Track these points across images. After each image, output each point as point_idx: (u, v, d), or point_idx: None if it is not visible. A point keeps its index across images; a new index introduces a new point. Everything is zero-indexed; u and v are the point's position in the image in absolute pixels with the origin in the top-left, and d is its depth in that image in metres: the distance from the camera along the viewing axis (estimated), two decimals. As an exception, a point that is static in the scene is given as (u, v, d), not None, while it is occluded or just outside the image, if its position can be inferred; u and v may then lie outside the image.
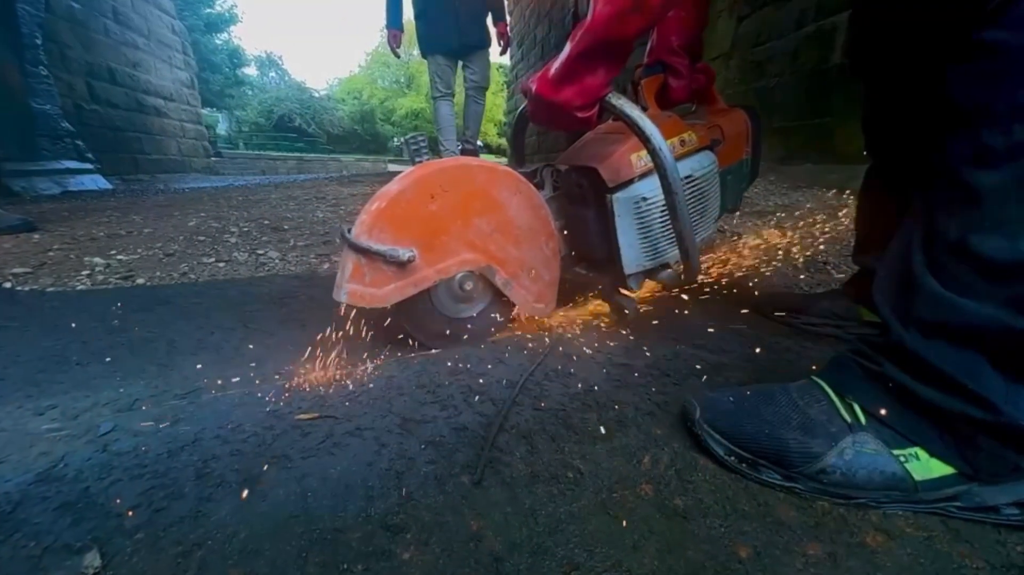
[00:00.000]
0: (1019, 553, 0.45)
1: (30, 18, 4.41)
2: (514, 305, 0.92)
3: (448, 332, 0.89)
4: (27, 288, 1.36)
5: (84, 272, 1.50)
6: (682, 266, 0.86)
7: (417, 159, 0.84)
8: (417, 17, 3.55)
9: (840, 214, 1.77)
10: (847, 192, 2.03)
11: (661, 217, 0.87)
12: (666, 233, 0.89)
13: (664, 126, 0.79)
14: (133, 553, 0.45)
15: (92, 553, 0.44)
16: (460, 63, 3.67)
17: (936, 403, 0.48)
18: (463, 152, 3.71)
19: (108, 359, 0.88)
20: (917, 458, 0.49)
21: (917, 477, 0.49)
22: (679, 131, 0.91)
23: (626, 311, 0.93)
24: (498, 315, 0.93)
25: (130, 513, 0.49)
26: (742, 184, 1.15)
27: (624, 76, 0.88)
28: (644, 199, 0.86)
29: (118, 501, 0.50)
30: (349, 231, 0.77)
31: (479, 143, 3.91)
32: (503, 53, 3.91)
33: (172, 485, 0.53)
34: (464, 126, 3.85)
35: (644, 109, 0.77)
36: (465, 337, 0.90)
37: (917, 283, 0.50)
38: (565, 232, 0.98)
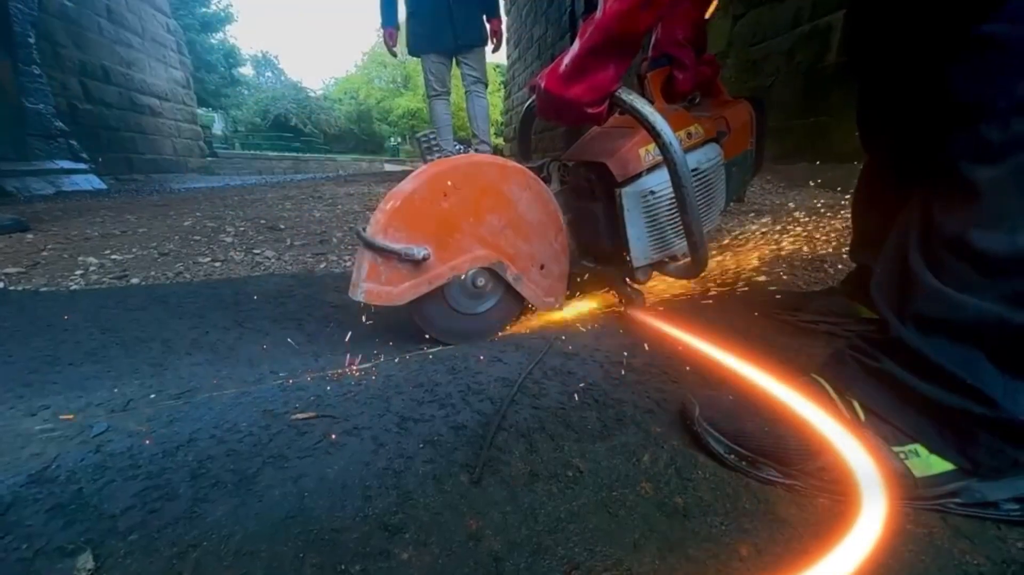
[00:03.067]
0: (1019, 549, 0.45)
1: (23, 16, 4.38)
2: (524, 300, 0.92)
3: (461, 327, 0.89)
4: (20, 288, 1.35)
5: (78, 272, 1.48)
6: (690, 258, 0.87)
7: (428, 157, 0.84)
8: (410, 16, 3.52)
9: (836, 212, 1.78)
10: (843, 190, 2.04)
11: (669, 210, 0.88)
12: (674, 225, 0.90)
13: (671, 119, 0.79)
14: (127, 555, 0.44)
15: (85, 555, 0.43)
16: (454, 60, 3.65)
17: (935, 399, 0.48)
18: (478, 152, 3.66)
19: (102, 359, 0.87)
20: (917, 454, 0.49)
21: (917, 473, 0.49)
22: (686, 124, 0.92)
23: (635, 304, 0.93)
24: (509, 310, 0.94)
25: (124, 514, 0.48)
26: (747, 175, 1.16)
27: (629, 70, 0.88)
28: (652, 192, 0.87)
29: (111, 502, 0.50)
30: (364, 230, 0.77)
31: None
32: (496, 50, 3.88)
33: (166, 486, 0.52)
34: (472, 125, 3.80)
35: (650, 103, 0.77)
36: (477, 332, 0.90)
37: (915, 279, 0.50)
38: (573, 226, 0.98)
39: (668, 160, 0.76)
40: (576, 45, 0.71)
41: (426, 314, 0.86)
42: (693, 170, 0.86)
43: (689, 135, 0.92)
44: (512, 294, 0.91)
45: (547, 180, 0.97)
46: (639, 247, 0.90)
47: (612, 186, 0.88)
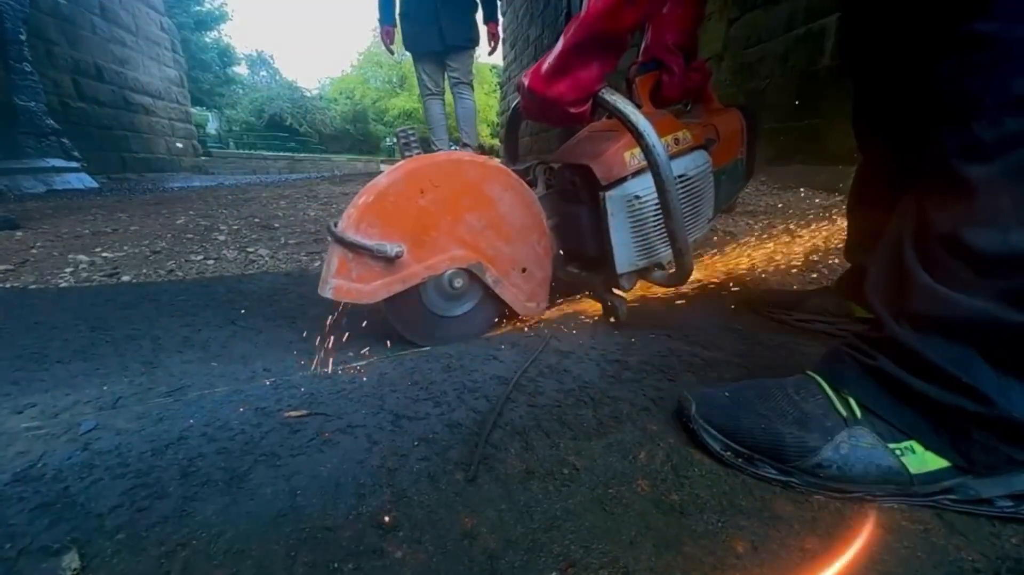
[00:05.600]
0: (1013, 545, 0.45)
1: (14, 13, 4.33)
2: (505, 303, 0.90)
3: (437, 330, 0.87)
4: (8, 285, 1.32)
5: (68, 269, 1.46)
6: (674, 266, 0.85)
7: (407, 153, 0.82)
8: (401, 16, 3.52)
9: (830, 213, 1.79)
10: (837, 191, 2.06)
11: (654, 216, 0.86)
12: (659, 232, 0.88)
13: (658, 124, 0.78)
14: (114, 554, 0.43)
15: (71, 554, 0.43)
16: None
17: (930, 397, 0.48)
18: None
19: (91, 357, 0.86)
20: (912, 451, 0.49)
21: (912, 470, 0.49)
22: (673, 129, 0.90)
23: (618, 312, 0.92)
24: (488, 314, 0.92)
25: (111, 513, 0.47)
26: (737, 184, 1.14)
27: (618, 74, 0.87)
28: (637, 197, 0.85)
29: (99, 501, 0.49)
30: (336, 225, 0.75)
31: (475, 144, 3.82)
32: (491, 53, 3.87)
33: (156, 484, 0.51)
34: (458, 128, 3.80)
35: (638, 107, 0.76)
36: (454, 336, 0.88)
37: (909, 277, 0.50)
38: (557, 230, 0.97)
39: (651, 163, 0.75)
40: (560, 43, 0.69)
41: (401, 315, 0.84)
42: (680, 176, 0.85)
43: (676, 141, 0.90)
44: (492, 298, 0.89)
45: (533, 183, 0.96)
46: (623, 253, 0.88)
47: (596, 189, 0.86)
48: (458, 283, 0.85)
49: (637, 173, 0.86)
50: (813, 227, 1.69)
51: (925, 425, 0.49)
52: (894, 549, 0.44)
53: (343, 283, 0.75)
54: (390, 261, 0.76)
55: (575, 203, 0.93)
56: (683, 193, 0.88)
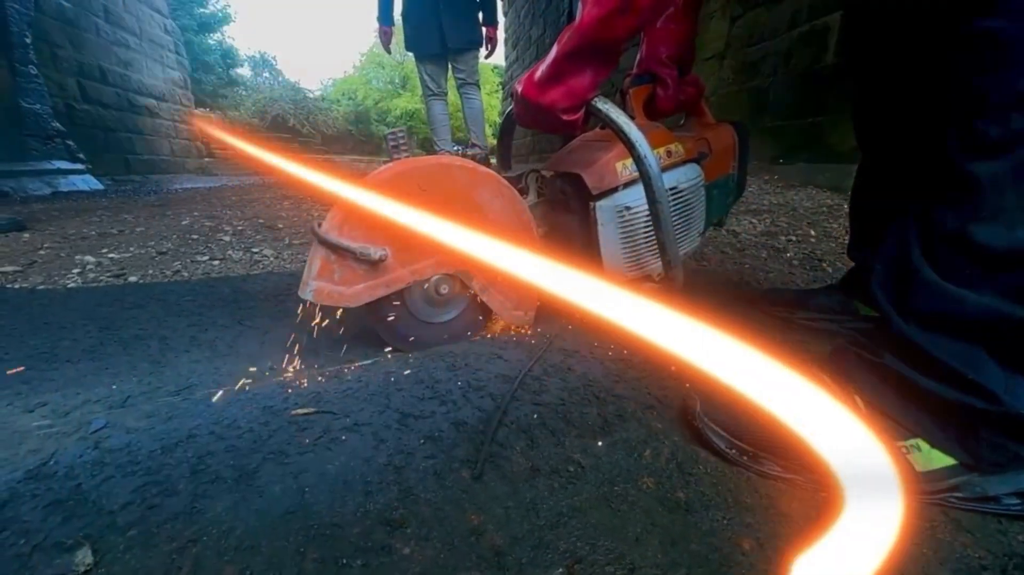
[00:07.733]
0: (1020, 542, 0.45)
1: (19, 17, 4.36)
2: (491, 311, 0.89)
3: (420, 336, 0.86)
4: (16, 286, 1.34)
5: (75, 270, 1.48)
6: (664, 278, 0.84)
7: (396, 155, 0.81)
8: (402, 17, 3.51)
9: (833, 211, 1.78)
10: (840, 189, 2.05)
11: (645, 227, 0.85)
12: (649, 244, 0.87)
13: (651, 136, 0.77)
14: (126, 550, 0.44)
15: (84, 550, 0.43)
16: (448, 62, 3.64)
17: (937, 394, 0.48)
18: (471, 155, 3.60)
19: (100, 356, 0.87)
20: (918, 449, 0.49)
21: (919, 468, 0.49)
22: (666, 142, 0.90)
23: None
24: (475, 321, 0.91)
25: (123, 510, 0.48)
26: (727, 199, 1.14)
27: (615, 81, 0.85)
28: (628, 208, 0.84)
29: (110, 498, 0.49)
30: (319, 226, 0.75)
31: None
32: (488, 56, 3.86)
33: (166, 482, 0.52)
34: (467, 129, 3.79)
35: (631, 118, 0.75)
36: (437, 342, 0.88)
37: (915, 274, 0.50)
38: (547, 240, 0.96)
39: (642, 173, 0.74)
40: (554, 50, 0.69)
41: (384, 320, 0.83)
42: (671, 188, 0.84)
43: (669, 153, 0.90)
44: (478, 305, 0.88)
45: (524, 191, 0.95)
46: (613, 264, 0.88)
47: (587, 199, 0.86)
48: (444, 289, 0.84)
49: (629, 184, 0.85)
50: (816, 225, 1.69)
51: (931, 423, 0.49)
52: (900, 546, 0.44)
53: (324, 285, 0.74)
54: (374, 265, 0.74)
55: (566, 212, 0.92)
56: (674, 205, 0.87)
